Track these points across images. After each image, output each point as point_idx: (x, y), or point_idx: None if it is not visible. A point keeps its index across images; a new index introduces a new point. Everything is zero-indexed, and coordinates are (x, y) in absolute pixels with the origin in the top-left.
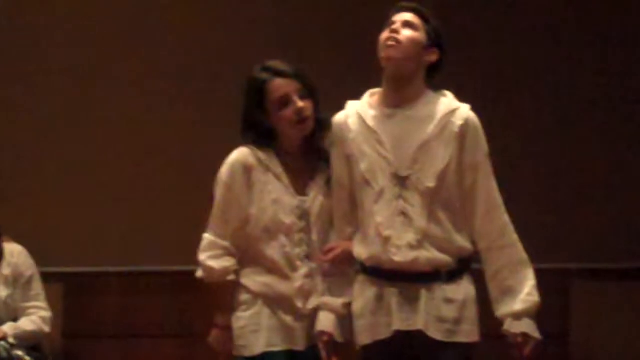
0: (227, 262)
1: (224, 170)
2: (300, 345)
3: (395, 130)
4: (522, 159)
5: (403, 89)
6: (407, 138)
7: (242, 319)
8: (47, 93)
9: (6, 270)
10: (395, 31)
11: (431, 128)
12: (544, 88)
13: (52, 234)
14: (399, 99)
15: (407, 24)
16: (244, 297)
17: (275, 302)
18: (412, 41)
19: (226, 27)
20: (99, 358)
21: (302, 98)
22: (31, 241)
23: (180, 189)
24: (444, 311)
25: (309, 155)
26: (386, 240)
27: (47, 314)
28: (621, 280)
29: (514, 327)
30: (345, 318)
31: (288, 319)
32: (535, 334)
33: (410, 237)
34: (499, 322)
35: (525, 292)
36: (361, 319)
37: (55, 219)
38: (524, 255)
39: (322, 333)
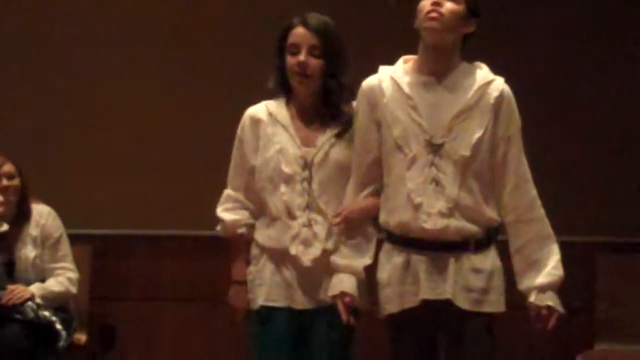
0: (238, 215)
1: (239, 125)
2: (299, 304)
3: (431, 97)
4: (546, 133)
5: (440, 59)
6: (442, 106)
7: (250, 272)
8: (78, 57)
9: (34, 231)
10: (438, 3)
11: (467, 97)
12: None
13: (80, 196)
14: (436, 67)
15: None
16: (254, 251)
17: (278, 256)
18: (454, 14)
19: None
20: (125, 320)
21: (312, 54)
22: (59, 203)
23: (206, 152)
24: (472, 281)
25: (322, 112)
26: (417, 207)
27: (74, 275)
28: None
29: (539, 300)
30: (364, 282)
31: (289, 274)
32: (559, 308)
33: (442, 205)
34: (520, 294)
35: (551, 266)
36: (388, 287)
37: (83, 182)
38: (550, 230)
39: (344, 294)
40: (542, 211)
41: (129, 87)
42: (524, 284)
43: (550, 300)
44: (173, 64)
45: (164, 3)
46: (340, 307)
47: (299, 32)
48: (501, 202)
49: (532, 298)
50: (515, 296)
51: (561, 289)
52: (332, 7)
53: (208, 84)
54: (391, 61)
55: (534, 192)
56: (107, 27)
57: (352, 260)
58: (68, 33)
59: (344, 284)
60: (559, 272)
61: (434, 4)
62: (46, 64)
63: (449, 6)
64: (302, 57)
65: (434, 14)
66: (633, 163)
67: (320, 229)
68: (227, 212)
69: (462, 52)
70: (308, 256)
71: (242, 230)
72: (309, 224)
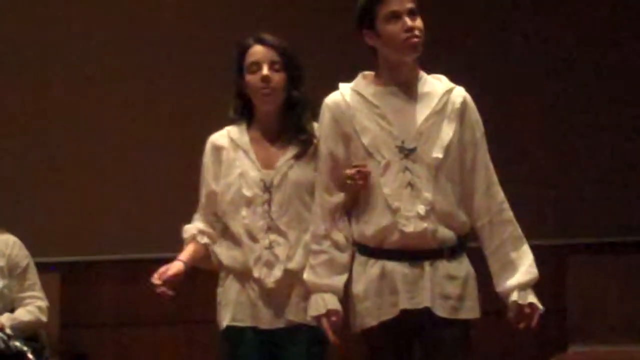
0: (203, 227)
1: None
2: (265, 324)
3: (397, 104)
4: (517, 138)
5: (401, 70)
6: (409, 112)
7: (218, 294)
8: (45, 86)
9: (1, 261)
10: (412, 28)
11: (434, 102)
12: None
13: (48, 223)
14: (399, 79)
15: (411, 13)
16: (220, 273)
17: (242, 276)
18: (422, 29)
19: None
20: (97, 347)
21: (274, 69)
22: (27, 231)
23: (174, 176)
24: (448, 288)
25: (285, 130)
26: (395, 211)
27: (43, 303)
28: (615, 254)
29: (521, 298)
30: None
31: (254, 294)
32: (540, 305)
33: (419, 207)
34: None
35: (527, 264)
36: (365, 301)
37: (50, 209)
38: (520, 231)
39: (332, 312)
40: (511, 213)
41: (93, 113)
42: (502, 284)
43: (531, 297)
44: (133, 86)
45: (152, 32)
46: (326, 326)
47: (257, 50)
48: (472, 205)
49: (514, 297)
50: (487, 302)
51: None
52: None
53: (171, 107)
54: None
55: (502, 194)
56: (83, 51)
57: (330, 279)
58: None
59: (327, 302)
60: (535, 270)
61: (408, 29)
62: (15, 92)
63: (418, 24)
64: (264, 71)
65: (415, 40)
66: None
67: (281, 251)
68: (193, 223)
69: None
70: (271, 278)
71: (203, 240)
72: (270, 246)
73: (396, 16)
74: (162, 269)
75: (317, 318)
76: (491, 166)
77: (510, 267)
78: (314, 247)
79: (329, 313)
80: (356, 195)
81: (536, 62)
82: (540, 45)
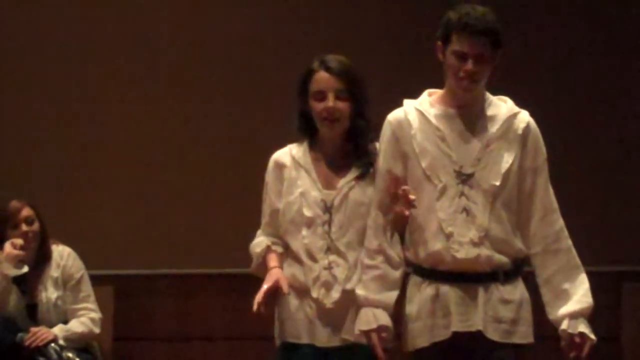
0: (273, 239)
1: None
2: (322, 342)
3: (458, 128)
4: (569, 164)
5: (462, 94)
6: (470, 136)
7: (276, 310)
8: (103, 104)
9: (55, 273)
10: (470, 73)
11: (495, 128)
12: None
13: (102, 236)
14: (460, 100)
15: (479, 60)
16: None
17: (300, 293)
18: (487, 74)
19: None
20: None
21: (339, 98)
22: (81, 244)
23: (232, 191)
24: (502, 312)
25: (347, 152)
26: (448, 236)
27: (97, 315)
28: None
29: (571, 327)
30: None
31: (311, 312)
32: (592, 335)
33: (473, 234)
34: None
35: (581, 294)
36: (418, 321)
37: (105, 221)
38: (577, 260)
39: (382, 328)
40: (569, 242)
41: (151, 129)
42: (554, 313)
43: (582, 327)
44: (193, 103)
45: (207, 52)
46: (376, 341)
47: (322, 77)
48: (528, 232)
49: (564, 326)
50: (541, 328)
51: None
52: (349, 46)
53: (233, 124)
54: (411, 96)
55: (561, 222)
56: (128, 67)
57: (382, 294)
58: (88, 76)
59: (379, 318)
60: (589, 299)
61: (465, 72)
62: (64, 105)
63: (482, 70)
64: (330, 102)
65: (467, 83)
66: None
67: (340, 272)
68: (259, 238)
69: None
70: (329, 299)
71: (279, 249)
72: (329, 267)
73: (462, 56)
74: (267, 289)
75: (367, 333)
76: (551, 193)
77: (562, 296)
78: (367, 261)
79: (379, 329)
80: (401, 220)
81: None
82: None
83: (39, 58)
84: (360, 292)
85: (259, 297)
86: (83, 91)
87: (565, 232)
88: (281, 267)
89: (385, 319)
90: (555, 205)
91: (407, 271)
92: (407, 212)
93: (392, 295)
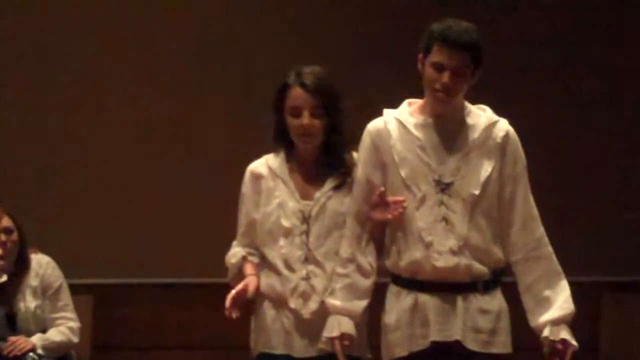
0: (239, 250)
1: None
2: (298, 352)
3: (437, 137)
4: (547, 174)
5: (447, 106)
6: (449, 146)
7: (252, 320)
8: (86, 110)
9: (34, 281)
10: (445, 86)
11: (474, 137)
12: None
13: (81, 245)
14: (439, 110)
15: (457, 73)
16: (256, 299)
17: (277, 304)
18: (463, 88)
19: (262, 31)
20: None
21: (314, 115)
22: (60, 253)
23: (214, 200)
24: (480, 322)
25: (323, 163)
26: (428, 245)
27: (75, 324)
28: None
29: (553, 334)
30: (365, 329)
31: (288, 323)
32: (573, 341)
33: (452, 242)
34: (530, 334)
35: (562, 300)
36: (397, 331)
37: (84, 231)
38: (558, 267)
39: (345, 336)
40: (549, 249)
41: (132, 138)
42: (535, 320)
43: (564, 333)
44: (175, 112)
45: (168, 50)
46: (337, 348)
47: (297, 94)
48: (509, 240)
49: (546, 332)
50: (519, 338)
51: None
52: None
53: (212, 134)
54: (390, 106)
55: (541, 230)
56: (107, 75)
57: (349, 303)
58: (66, 84)
59: (342, 325)
60: (571, 306)
61: (442, 86)
62: (44, 113)
63: (458, 84)
64: (305, 120)
65: (441, 95)
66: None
67: (318, 282)
68: (234, 249)
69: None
70: (307, 310)
71: (255, 259)
72: (307, 277)
73: (440, 67)
74: (236, 292)
75: (330, 340)
76: (531, 200)
77: (543, 303)
78: (338, 269)
79: (342, 336)
80: (381, 226)
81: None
82: None
83: (17, 63)
84: (328, 299)
85: (227, 302)
86: (62, 99)
87: (546, 240)
88: (257, 275)
89: (348, 327)
90: (536, 213)
91: (385, 281)
92: (389, 216)
93: (359, 304)
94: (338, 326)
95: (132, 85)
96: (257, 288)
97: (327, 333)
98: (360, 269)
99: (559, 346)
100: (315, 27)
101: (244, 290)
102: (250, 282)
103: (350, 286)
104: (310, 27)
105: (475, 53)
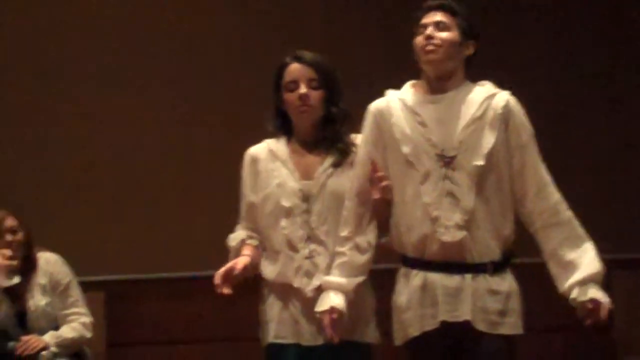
0: (240, 233)
1: None
2: (307, 340)
3: (438, 112)
4: (559, 153)
5: (444, 83)
6: (449, 120)
7: (260, 311)
8: (98, 108)
9: (43, 280)
10: (430, 36)
11: (474, 110)
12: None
13: (92, 242)
14: (439, 87)
15: (439, 25)
16: (263, 290)
17: (284, 292)
18: (449, 42)
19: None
20: None
21: (312, 87)
22: (71, 250)
23: (222, 195)
24: (489, 302)
25: (322, 142)
26: (434, 220)
27: (87, 319)
28: None
29: (581, 295)
30: (373, 315)
31: (295, 310)
32: (605, 299)
33: (458, 217)
34: (539, 317)
35: (587, 262)
36: (408, 311)
37: (94, 228)
38: (580, 230)
39: (334, 310)
40: (569, 213)
41: (139, 135)
42: (562, 285)
43: (593, 292)
44: (173, 109)
45: (168, 50)
46: (326, 322)
47: (294, 68)
48: (525, 211)
49: (574, 294)
50: (533, 319)
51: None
52: (328, 42)
53: (222, 128)
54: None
55: (557, 195)
56: (104, 76)
57: (342, 279)
58: (69, 84)
59: (332, 300)
60: (597, 264)
61: (427, 37)
62: (49, 112)
63: (442, 35)
64: (302, 89)
65: (430, 47)
66: None
67: (321, 260)
68: (236, 232)
69: (466, 73)
70: (310, 287)
71: (255, 242)
72: (310, 256)
73: (423, 27)
74: (226, 269)
75: (321, 314)
76: (542, 168)
77: (569, 267)
78: (337, 248)
79: (331, 310)
80: (382, 205)
81: None
82: None
83: (17, 63)
84: (324, 277)
85: (216, 279)
86: (68, 99)
87: (564, 205)
88: (251, 257)
89: (338, 301)
90: (548, 179)
91: (394, 267)
92: (377, 196)
93: (352, 281)
94: (328, 300)
95: (133, 84)
96: (247, 267)
97: (317, 307)
98: (357, 247)
99: (590, 306)
100: (315, 28)
101: (233, 267)
102: (240, 260)
103: (346, 264)
104: (310, 28)
105: (453, 11)
